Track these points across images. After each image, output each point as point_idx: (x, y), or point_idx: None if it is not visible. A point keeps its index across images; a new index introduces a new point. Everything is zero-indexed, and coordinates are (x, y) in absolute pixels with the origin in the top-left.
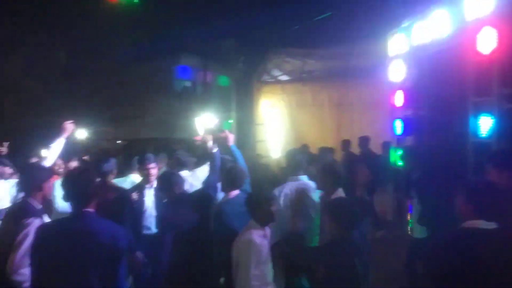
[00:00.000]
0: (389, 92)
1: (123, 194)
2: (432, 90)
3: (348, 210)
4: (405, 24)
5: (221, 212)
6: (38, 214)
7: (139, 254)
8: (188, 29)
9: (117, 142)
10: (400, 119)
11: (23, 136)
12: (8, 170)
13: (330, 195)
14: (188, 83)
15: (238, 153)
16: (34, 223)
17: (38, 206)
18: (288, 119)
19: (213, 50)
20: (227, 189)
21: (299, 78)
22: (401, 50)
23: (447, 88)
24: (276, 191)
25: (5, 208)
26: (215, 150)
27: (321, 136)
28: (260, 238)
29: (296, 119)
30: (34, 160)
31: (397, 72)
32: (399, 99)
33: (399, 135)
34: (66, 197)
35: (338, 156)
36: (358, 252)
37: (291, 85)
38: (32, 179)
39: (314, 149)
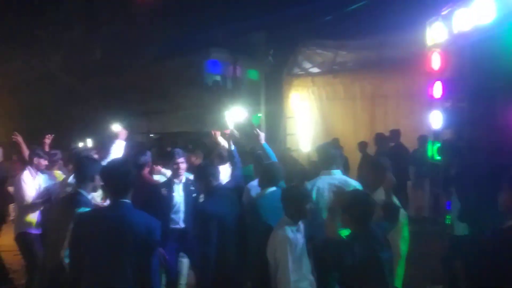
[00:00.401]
0: (427, 83)
1: (155, 188)
2: (473, 80)
3: (360, 203)
4: (445, 11)
5: (258, 206)
6: (89, 203)
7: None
8: (218, 24)
9: (150, 135)
10: (439, 112)
11: (62, 129)
12: (43, 161)
13: (373, 192)
14: (218, 77)
15: (270, 151)
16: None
17: (89, 196)
18: (319, 112)
19: (242, 44)
20: (264, 185)
21: (330, 70)
22: (440, 39)
23: (490, 79)
24: (308, 185)
25: (56, 198)
26: (232, 147)
27: (353, 129)
28: (293, 233)
29: (327, 112)
30: (88, 153)
31: (435, 62)
32: (437, 90)
33: (437, 128)
34: (105, 188)
35: (372, 150)
36: (377, 247)
37: (322, 77)
38: (85, 171)
39: (346, 143)
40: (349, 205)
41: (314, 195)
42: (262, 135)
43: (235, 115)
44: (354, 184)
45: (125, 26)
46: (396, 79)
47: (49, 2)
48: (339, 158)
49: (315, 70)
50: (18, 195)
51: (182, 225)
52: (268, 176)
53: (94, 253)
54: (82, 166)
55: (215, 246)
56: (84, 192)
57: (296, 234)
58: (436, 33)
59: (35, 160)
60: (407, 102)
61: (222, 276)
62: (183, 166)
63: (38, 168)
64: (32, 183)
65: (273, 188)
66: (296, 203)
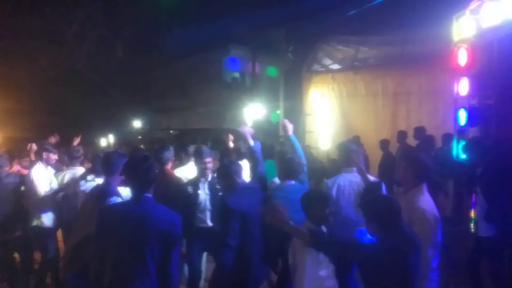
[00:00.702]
0: (452, 79)
1: (179, 186)
2: (501, 76)
3: (385, 208)
4: (473, 5)
5: (274, 198)
6: (118, 194)
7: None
8: (237, 21)
9: (170, 132)
10: (464, 109)
11: (85, 125)
12: (52, 156)
13: (410, 191)
14: (237, 74)
15: (297, 143)
16: (116, 202)
17: (117, 187)
18: (339, 109)
19: (262, 41)
20: (283, 178)
21: (351, 66)
22: (467, 34)
23: None
24: (329, 182)
25: (85, 190)
26: (252, 143)
27: (374, 127)
28: None
29: (347, 110)
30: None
31: (462, 57)
32: (463, 87)
33: (462, 126)
34: (127, 182)
35: (393, 148)
36: (405, 251)
37: (342, 74)
38: (113, 165)
39: (366, 141)
40: (373, 212)
41: (334, 192)
42: (291, 127)
43: (253, 112)
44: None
45: (147, 25)
46: (419, 76)
47: (74, 1)
48: (360, 155)
49: (336, 66)
50: (31, 190)
51: (209, 223)
52: (287, 169)
53: (116, 246)
54: (111, 160)
55: (238, 243)
56: (113, 184)
57: None
58: (463, 28)
59: (45, 154)
60: (430, 99)
61: (243, 273)
62: (210, 165)
63: (48, 162)
64: (44, 176)
65: (292, 182)
66: (316, 207)
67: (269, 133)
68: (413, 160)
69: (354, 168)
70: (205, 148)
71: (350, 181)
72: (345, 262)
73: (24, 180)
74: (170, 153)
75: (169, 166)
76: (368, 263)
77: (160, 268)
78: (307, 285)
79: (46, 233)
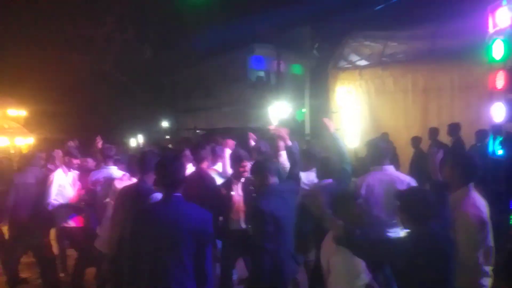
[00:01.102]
0: (487, 73)
1: (213, 186)
2: None
3: (419, 201)
4: None
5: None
6: (153, 191)
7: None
8: (261, 19)
9: (197, 131)
10: (501, 104)
11: (114, 126)
12: (74, 160)
13: (455, 192)
14: (261, 73)
15: (340, 141)
16: (157, 198)
17: (152, 185)
18: (367, 106)
19: (286, 39)
20: (320, 177)
21: (379, 62)
22: (504, 25)
23: None
24: (358, 181)
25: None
26: (290, 143)
27: (404, 124)
28: None
29: (376, 107)
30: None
31: (498, 50)
32: (500, 80)
33: (499, 122)
34: (158, 182)
35: (425, 146)
36: (439, 248)
37: (370, 70)
38: (148, 164)
39: (396, 138)
40: (407, 203)
41: (364, 191)
42: (331, 124)
43: (278, 110)
44: (408, 180)
45: (172, 26)
46: (451, 70)
47: (103, 5)
48: (391, 153)
49: (363, 62)
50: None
51: (243, 226)
52: (323, 168)
53: (152, 245)
54: (146, 159)
55: (271, 246)
56: (147, 182)
57: None
58: (499, 19)
59: (67, 158)
60: (463, 95)
61: (277, 276)
62: (247, 168)
63: (69, 167)
64: (61, 182)
65: (329, 181)
66: (346, 208)
67: (294, 131)
68: (460, 159)
69: (384, 166)
70: (242, 151)
71: (379, 179)
72: (376, 260)
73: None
74: (206, 151)
75: (205, 165)
76: (401, 259)
77: (196, 265)
78: (341, 281)
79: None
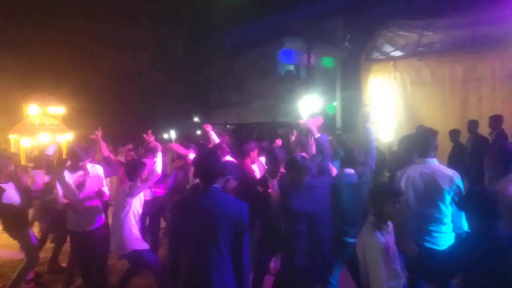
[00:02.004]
0: None
1: (251, 182)
2: None
3: (480, 200)
4: None
5: (333, 184)
6: None
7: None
8: (291, 12)
9: (227, 126)
10: None
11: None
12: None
13: (499, 181)
14: (291, 67)
15: (371, 135)
16: None
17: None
18: (402, 99)
19: (317, 31)
20: (342, 166)
21: (415, 53)
22: None
23: None
24: (398, 173)
25: None
26: (318, 135)
27: (441, 117)
28: (384, 236)
29: (411, 99)
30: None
31: None
32: None
33: None
34: (197, 175)
35: (463, 139)
36: (499, 248)
37: (405, 61)
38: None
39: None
40: (468, 203)
41: (403, 184)
42: (371, 116)
43: (309, 104)
44: (451, 173)
45: (204, 23)
46: (492, 60)
47: (137, 3)
48: (436, 146)
49: (397, 53)
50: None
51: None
52: (346, 159)
53: (191, 235)
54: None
55: (301, 245)
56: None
57: (386, 237)
58: None
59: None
60: (505, 85)
61: (304, 277)
62: (282, 169)
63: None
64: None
65: (350, 171)
66: (385, 202)
67: (325, 126)
68: (502, 149)
69: (428, 159)
70: (279, 152)
71: (420, 172)
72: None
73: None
74: (249, 146)
75: (248, 160)
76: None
77: (233, 254)
78: (384, 284)
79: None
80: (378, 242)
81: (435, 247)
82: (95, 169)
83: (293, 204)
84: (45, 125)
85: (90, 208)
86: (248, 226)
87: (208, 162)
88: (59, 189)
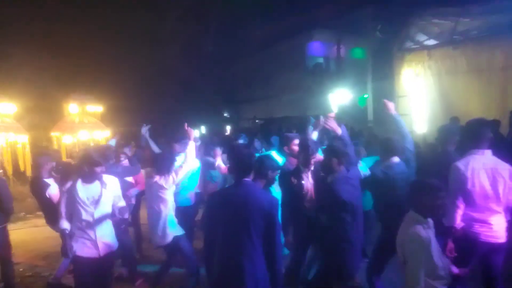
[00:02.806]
0: None
1: (285, 175)
2: None
3: None
4: None
5: (388, 177)
6: None
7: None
8: (321, 3)
9: (256, 121)
10: None
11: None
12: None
13: None
14: (320, 59)
15: (401, 121)
16: None
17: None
18: (436, 89)
19: (346, 22)
20: (385, 157)
21: (450, 41)
22: None
23: None
24: (460, 166)
25: None
26: (340, 132)
27: (479, 107)
28: (425, 230)
29: (447, 89)
30: None
31: None
32: None
33: None
34: (231, 169)
35: (504, 130)
36: None
37: (439, 50)
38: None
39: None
40: None
41: (469, 175)
42: (392, 105)
43: (339, 97)
44: (508, 166)
45: (232, 17)
46: None
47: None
48: (491, 138)
49: (432, 42)
50: None
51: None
52: (388, 147)
53: (224, 225)
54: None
55: (349, 237)
56: None
57: (428, 232)
58: None
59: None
60: None
61: (347, 268)
62: (315, 159)
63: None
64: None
65: (396, 159)
66: (426, 197)
67: (356, 118)
68: None
69: (485, 150)
70: (312, 143)
71: (483, 163)
72: None
73: None
74: (275, 139)
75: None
76: None
77: (265, 244)
78: (420, 284)
79: None
80: (419, 235)
81: (496, 241)
82: (111, 181)
83: (341, 194)
84: (84, 123)
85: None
86: (277, 218)
87: (239, 157)
88: (62, 207)
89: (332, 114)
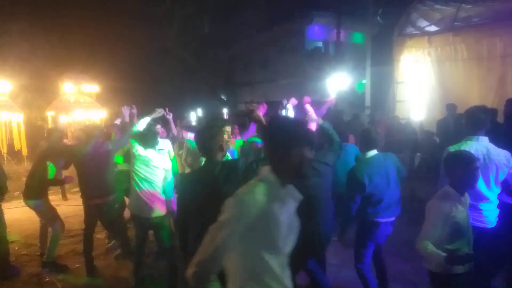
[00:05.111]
0: None
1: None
2: None
3: None
4: None
5: (356, 170)
6: None
7: None
8: None
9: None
10: None
11: (175, 100)
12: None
13: None
14: (319, 43)
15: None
16: None
17: None
18: (436, 76)
19: (346, 5)
20: (363, 149)
21: (451, 27)
22: None
23: None
24: (468, 148)
25: None
26: (321, 121)
27: (478, 95)
28: (452, 206)
29: (446, 76)
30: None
31: None
32: None
33: None
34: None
35: (501, 119)
36: None
37: (440, 36)
38: None
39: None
40: None
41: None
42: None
43: (337, 82)
44: (504, 153)
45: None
46: None
47: None
48: (488, 124)
49: (433, 28)
50: None
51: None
52: (364, 140)
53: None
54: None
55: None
56: None
57: (456, 209)
58: None
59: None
60: None
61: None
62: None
63: None
64: None
65: (373, 152)
66: (464, 170)
67: (354, 104)
68: None
69: (480, 137)
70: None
71: (476, 149)
72: None
73: None
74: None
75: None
76: None
77: None
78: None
79: None
80: (437, 206)
81: (485, 226)
82: None
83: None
84: (80, 103)
85: None
86: None
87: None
88: None
89: (331, 99)
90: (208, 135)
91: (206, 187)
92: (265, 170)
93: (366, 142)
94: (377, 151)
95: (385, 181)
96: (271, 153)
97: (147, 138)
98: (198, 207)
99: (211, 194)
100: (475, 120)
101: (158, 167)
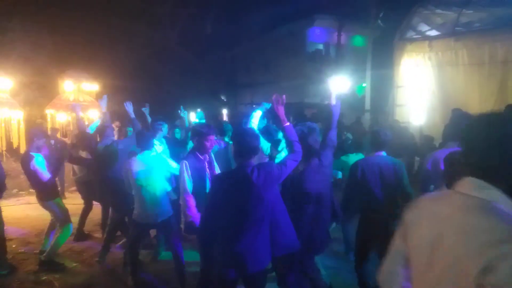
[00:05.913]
0: None
1: None
2: None
3: None
4: None
5: (357, 167)
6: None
7: None
8: None
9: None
10: None
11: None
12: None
13: None
14: (320, 46)
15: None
16: None
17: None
18: (436, 80)
19: (348, 9)
20: (372, 150)
21: (452, 32)
22: None
23: None
24: (428, 155)
25: None
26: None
27: (478, 100)
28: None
29: (446, 81)
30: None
31: None
32: None
33: None
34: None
35: None
36: None
37: (441, 41)
38: None
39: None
40: None
41: (429, 166)
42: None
43: (338, 85)
44: None
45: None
46: None
47: None
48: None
49: (434, 33)
50: None
51: None
52: (373, 141)
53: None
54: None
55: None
56: None
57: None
58: None
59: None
60: None
61: None
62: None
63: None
64: None
65: (380, 153)
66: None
67: (354, 107)
68: None
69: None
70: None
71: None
72: None
73: None
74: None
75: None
76: None
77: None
78: None
79: None
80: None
81: None
82: None
83: (307, 185)
84: (80, 101)
85: None
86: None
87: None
88: None
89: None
90: (254, 136)
91: (244, 192)
92: None
93: (375, 144)
94: (386, 153)
95: (374, 180)
96: None
97: (141, 140)
98: (232, 214)
99: (248, 199)
100: (458, 127)
101: (157, 168)
